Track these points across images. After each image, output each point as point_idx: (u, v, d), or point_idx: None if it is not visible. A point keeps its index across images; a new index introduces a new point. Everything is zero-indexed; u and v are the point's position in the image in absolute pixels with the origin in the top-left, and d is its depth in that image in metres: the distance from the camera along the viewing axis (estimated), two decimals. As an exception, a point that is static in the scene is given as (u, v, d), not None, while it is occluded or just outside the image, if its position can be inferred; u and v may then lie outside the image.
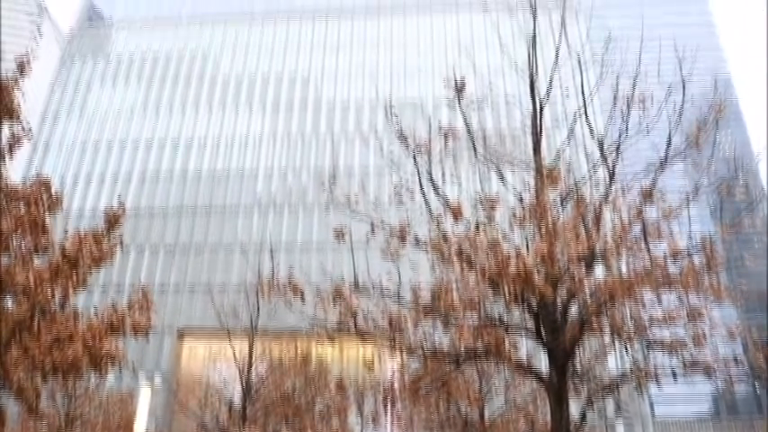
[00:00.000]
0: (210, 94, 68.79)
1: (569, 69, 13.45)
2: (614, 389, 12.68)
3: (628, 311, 11.87)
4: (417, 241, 12.14)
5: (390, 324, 11.89)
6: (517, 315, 12.33)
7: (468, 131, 13.34)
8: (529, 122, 13.70)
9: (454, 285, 11.52)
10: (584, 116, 13.21)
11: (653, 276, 10.70)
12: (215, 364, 36.47)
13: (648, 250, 11.23)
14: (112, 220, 12.81)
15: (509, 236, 11.80)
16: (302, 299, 12.02)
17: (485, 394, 21.98)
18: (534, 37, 13.81)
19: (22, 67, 13.39)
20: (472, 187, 12.51)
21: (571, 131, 13.57)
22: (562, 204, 12.33)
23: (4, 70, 13.26)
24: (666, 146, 12.37)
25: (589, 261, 11.28)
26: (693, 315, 11.37)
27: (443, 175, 13.11)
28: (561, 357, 11.45)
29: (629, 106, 12.47)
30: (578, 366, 13.40)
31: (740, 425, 69.73)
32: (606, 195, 12.19)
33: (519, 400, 22.46)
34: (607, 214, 11.90)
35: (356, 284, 12.28)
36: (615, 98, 12.56)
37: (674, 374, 11.87)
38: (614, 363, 16.02)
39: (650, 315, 11.79)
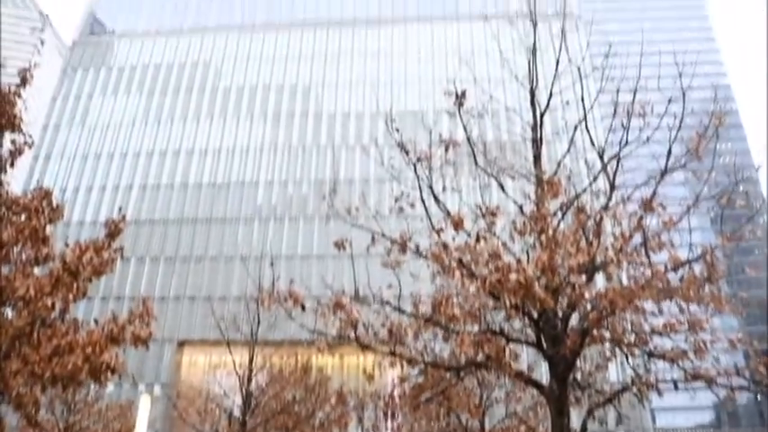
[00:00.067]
0: (211, 105, 68.99)
1: (570, 79, 13.48)
2: (615, 399, 12.64)
3: (629, 321, 11.86)
4: (418, 251, 12.13)
5: (391, 334, 11.87)
6: (518, 325, 12.32)
7: (469, 142, 13.36)
8: (529, 133, 13.74)
9: (455, 296, 11.51)
10: (584, 126, 13.25)
11: (654, 286, 10.68)
12: (215, 374, 36.39)
13: (649, 260, 11.23)
14: (113, 231, 12.82)
15: (510, 246, 11.80)
16: (302, 309, 11.99)
17: (485, 405, 21.91)
18: (534, 47, 13.87)
19: (24, 79, 13.46)
20: (473, 197, 12.51)
21: (571, 142, 13.59)
22: (563, 214, 12.33)
23: (7, 81, 13.32)
24: (667, 156, 12.39)
25: (590, 271, 11.27)
26: (694, 325, 11.34)
27: (444, 185, 13.12)
28: (562, 367, 11.42)
29: (629, 116, 12.50)
30: (579, 376, 13.37)
31: (742, 435, 69.62)
32: (607, 205, 12.20)
33: (520, 410, 22.38)
34: (608, 224, 11.91)
35: (357, 295, 12.26)
36: (615, 108, 12.60)
37: (676, 385, 11.84)
38: (615, 373, 15.99)
39: (651, 325, 11.77)
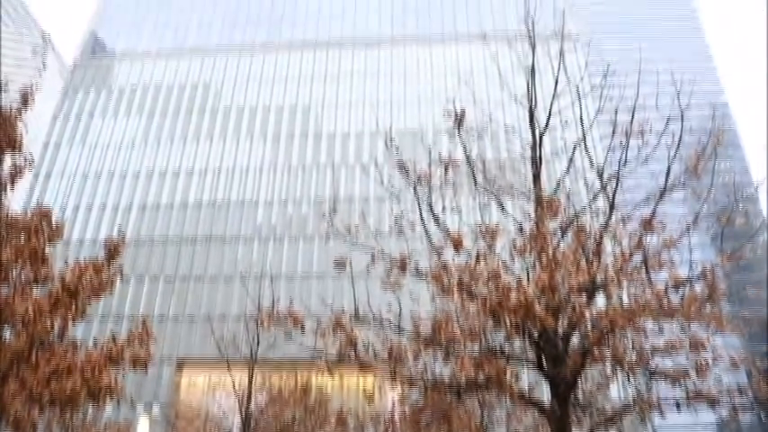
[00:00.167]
0: (211, 125, 69.20)
1: (568, 99, 13.55)
2: (617, 419, 12.56)
3: (630, 341, 11.81)
4: (418, 271, 12.11)
5: (390, 355, 11.82)
6: (518, 345, 12.26)
7: (468, 161, 13.40)
8: (528, 152, 13.78)
9: (455, 316, 11.48)
10: (583, 146, 13.30)
11: (654, 305, 10.66)
12: (214, 394, 36.18)
13: (650, 279, 11.22)
14: (112, 251, 12.81)
15: (509, 266, 11.78)
16: (302, 329, 11.96)
17: (486, 426, 21.74)
18: (533, 67, 13.95)
19: (25, 100, 13.52)
20: (472, 217, 12.51)
21: (571, 161, 13.63)
22: (562, 234, 12.32)
23: (9, 102, 13.38)
24: (666, 175, 12.41)
25: (590, 291, 11.24)
26: (696, 344, 11.30)
27: (443, 205, 13.13)
28: (563, 388, 11.36)
29: (628, 136, 12.54)
30: (580, 397, 13.30)
31: (745, 455, 69.06)
32: (606, 225, 12.20)
33: (521, 430, 22.23)
34: (608, 243, 11.90)
35: (356, 315, 12.23)
36: (614, 128, 12.64)
37: (678, 405, 11.77)
38: (617, 393, 15.87)
39: (652, 344, 11.73)
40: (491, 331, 11.68)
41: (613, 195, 12.67)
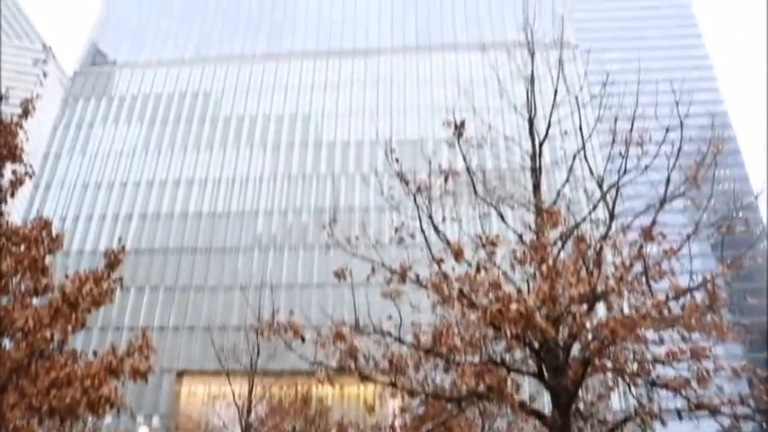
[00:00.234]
0: (211, 135, 69.34)
1: (568, 109, 13.56)
2: (618, 429, 12.50)
3: (631, 351, 11.79)
4: (418, 281, 12.09)
5: (391, 365, 11.79)
6: (519, 355, 12.24)
7: (468, 171, 13.40)
8: (528, 162, 13.79)
9: (455, 326, 11.46)
10: (583, 155, 13.31)
11: (655, 315, 10.63)
12: (214, 405, 36.06)
13: (650, 289, 11.20)
14: (113, 261, 12.79)
15: (510, 276, 11.77)
16: (302, 340, 11.93)
17: (487, 436, 21.64)
18: (532, 77, 13.98)
19: (26, 110, 13.53)
20: (472, 227, 12.51)
21: (570, 170, 13.64)
22: (563, 244, 12.31)
23: (9, 112, 13.39)
24: (666, 184, 12.41)
25: (591, 300, 11.22)
26: (697, 353, 11.28)
27: (444, 215, 13.13)
28: (564, 397, 11.32)
29: (627, 145, 12.55)
30: (582, 407, 13.25)
31: (748, 465, 68.67)
32: (606, 234, 12.19)
33: (522, 441, 22.11)
34: (608, 253, 11.89)
35: (357, 325, 12.21)
36: (614, 137, 12.65)
37: (679, 414, 11.72)
38: (618, 402, 15.82)
39: (653, 354, 11.70)
40: (492, 341, 11.66)
41: (613, 205, 12.67)
